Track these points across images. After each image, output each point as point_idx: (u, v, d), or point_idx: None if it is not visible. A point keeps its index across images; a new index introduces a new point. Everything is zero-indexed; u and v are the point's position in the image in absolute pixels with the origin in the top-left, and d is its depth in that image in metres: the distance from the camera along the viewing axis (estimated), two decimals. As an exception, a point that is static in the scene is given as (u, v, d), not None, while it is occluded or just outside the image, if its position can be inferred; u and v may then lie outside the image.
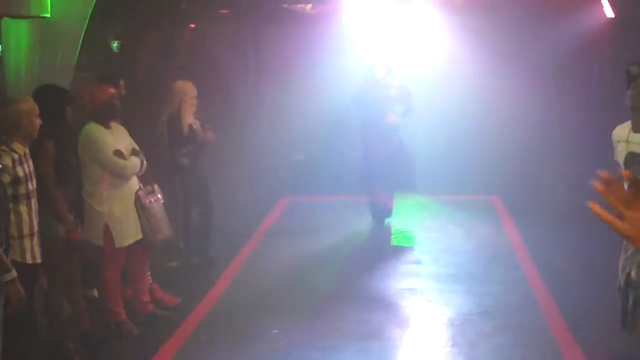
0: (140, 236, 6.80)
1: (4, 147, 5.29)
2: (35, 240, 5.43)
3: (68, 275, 6.19)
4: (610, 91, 9.77)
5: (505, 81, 12.96)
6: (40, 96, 5.86)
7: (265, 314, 7.14)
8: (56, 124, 5.95)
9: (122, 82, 7.46)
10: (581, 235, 9.55)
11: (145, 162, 6.90)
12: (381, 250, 9.10)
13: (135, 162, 6.75)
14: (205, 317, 7.17)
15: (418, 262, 8.61)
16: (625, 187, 2.17)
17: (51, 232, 5.91)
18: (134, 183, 6.84)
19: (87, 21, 7.76)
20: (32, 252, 5.38)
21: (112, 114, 6.72)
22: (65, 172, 6.03)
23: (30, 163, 5.43)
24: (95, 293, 7.19)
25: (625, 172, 2.21)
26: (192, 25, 12.75)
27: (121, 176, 6.66)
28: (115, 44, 11.90)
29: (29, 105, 5.43)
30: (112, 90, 6.76)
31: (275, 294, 7.68)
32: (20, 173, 5.27)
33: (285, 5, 13.46)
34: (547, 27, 12.83)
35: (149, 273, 7.35)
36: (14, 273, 4.59)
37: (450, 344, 6.46)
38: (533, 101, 13.07)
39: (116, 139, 6.70)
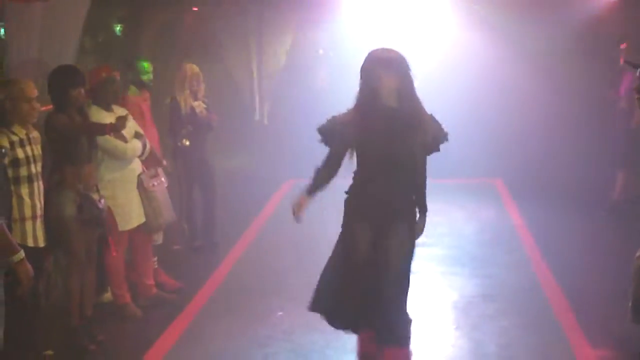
0: (143, 219, 6.81)
1: (2, 129, 5.30)
2: (39, 223, 5.42)
3: (83, 256, 6.16)
4: (614, 75, 9.74)
5: (508, 64, 12.94)
6: (49, 77, 5.97)
7: (270, 296, 7.15)
8: (60, 103, 5.95)
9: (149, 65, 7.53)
10: (584, 218, 9.58)
11: (148, 146, 6.89)
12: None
13: (136, 145, 6.73)
14: (209, 299, 7.20)
15: (421, 244, 8.58)
16: None
17: (63, 212, 5.91)
18: (137, 166, 6.83)
19: (89, 4, 7.75)
20: (34, 235, 5.37)
21: (109, 96, 6.66)
22: (76, 151, 6.02)
23: (37, 147, 5.45)
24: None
25: None
26: (195, 8, 12.73)
27: (121, 159, 6.64)
28: (118, 27, 11.89)
29: (16, 88, 5.40)
30: (106, 72, 6.69)
31: (280, 277, 7.70)
32: (21, 155, 5.27)
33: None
34: (550, 12, 12.80)
35: (155, 258, 7.38)
36: (22, 254, 4.60)
37: (453, 326, 6.48)
38: (536, 84, 13.05)
39: (117, 121, 6.68)
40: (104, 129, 6.01)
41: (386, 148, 5.05)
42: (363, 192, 5.18)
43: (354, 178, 5.25)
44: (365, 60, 5.13)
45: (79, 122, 5.98)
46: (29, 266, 4.63)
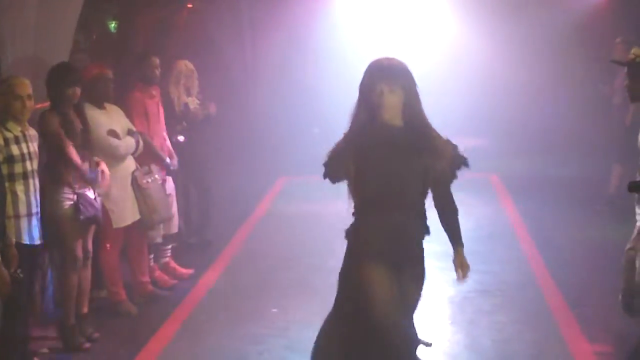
0: (138, 217, 6.80)
1: None
2: (35, 221, 5.41)
3: (79, 254, 6.14)
4: (610, 69, 9.74)
5: (506, 59, 12.95)
6: (47, 75, 5.97)
7: (264, 293, 7.15)
8: (56, 101, 5.94)
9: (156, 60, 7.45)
10: (580, 213, 9.57)
11: (141, 143, 6.87)
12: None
13: (129, 142, 6.71)
14: (204, 296, 7.19)
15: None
16: None
17: (59, 210, 5.88)
18: (131, 164, 6.82)
19: (83, 1, 7.73)
20: (30, 233, 5.36)
21: (101, 94, 6.62)
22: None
23: (33, 144, 5.43)
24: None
25: None
26: (190, 5, 12.73)
27: (114, 156, 6.62)
28: (112, 24, 11.87)
29: (5, 85, 5.41)
30: (98, 70, 6.65)
31: (274, 274, 7.69)
32: (15, 152, 5.27)
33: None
34: (549, 5, 12.82)
35: (152, 255, 7.36)
36: None
37: (449, 321, 6.47)
38: (533, 79, 13.06)
39: (110, 119, 6.65)
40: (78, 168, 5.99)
41: (390, 175, 4.29)
42: (368, 229, 4.40)
43: (355, 213, 4.45)
44: (365, 73, 4.31)
45: (62, 136, 5.91)
46: (4, 272, 4.63)
